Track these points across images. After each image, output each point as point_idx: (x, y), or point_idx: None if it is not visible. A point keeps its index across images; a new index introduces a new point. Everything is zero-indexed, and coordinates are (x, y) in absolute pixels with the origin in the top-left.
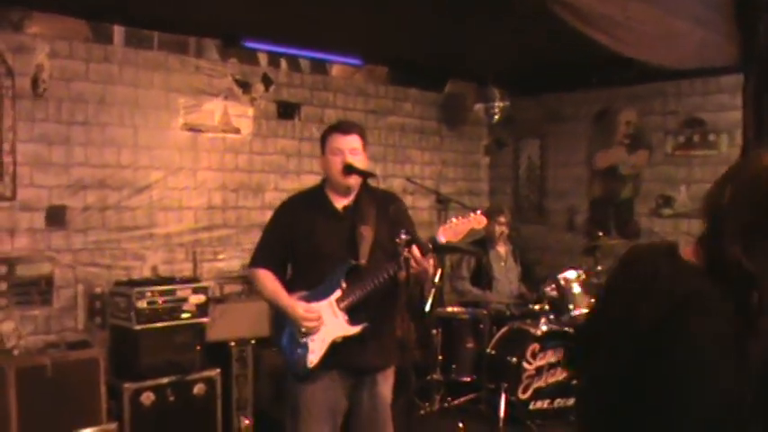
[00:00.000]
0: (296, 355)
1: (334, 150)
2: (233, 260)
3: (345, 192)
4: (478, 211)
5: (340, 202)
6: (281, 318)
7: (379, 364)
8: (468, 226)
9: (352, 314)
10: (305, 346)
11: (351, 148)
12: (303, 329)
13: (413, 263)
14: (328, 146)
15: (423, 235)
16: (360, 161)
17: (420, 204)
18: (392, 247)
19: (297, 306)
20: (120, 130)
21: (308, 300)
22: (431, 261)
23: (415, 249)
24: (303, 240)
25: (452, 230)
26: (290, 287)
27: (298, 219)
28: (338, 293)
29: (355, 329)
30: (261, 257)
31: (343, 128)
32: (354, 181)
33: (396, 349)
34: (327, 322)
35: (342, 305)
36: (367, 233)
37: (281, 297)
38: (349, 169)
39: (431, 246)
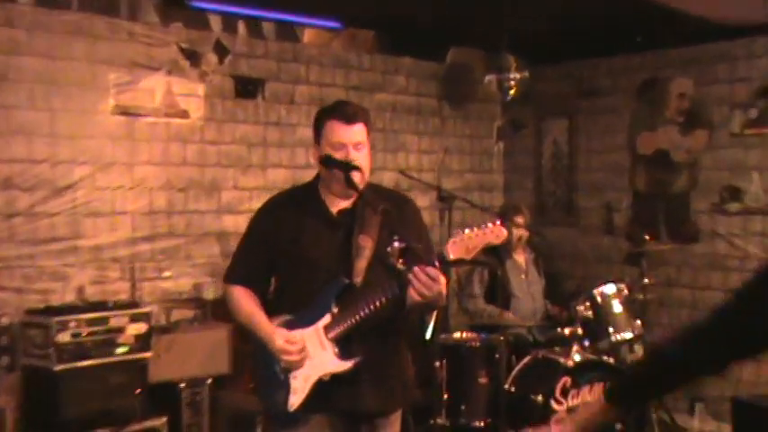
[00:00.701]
0: (275, 395)
1: (334, 144)
2: (182, 278)
3: (343, 192)
4: (497, 222)
5: (336, 205)
6: (261, 348)
7: (380, 408)
8: (484, 240)
9: (344, 346)
10: (285, 385)
11: (356, 142)
12: (282, 364)
13: (417, 283)
14: (326, 136)
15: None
16: (364, 157)
17: (418, 204)
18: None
19: (276, 335)
20: (32, 115)
21: (292, 326)
22: (442, 280)
23: (419, 272)
24: (287, 251)
25: (464, 246)
26: (273, 309)
27: (282, 223)
28: (327, 320)
29: (346, 365)
30: (235, 272)
31: (346, 115)
32: (358, 179)
33: (402, 390)
34: (314, 355)
35: (330, 334)
36: (366, 244)
37: (258, 322)
38: (327, 161)
39: (437, 262)
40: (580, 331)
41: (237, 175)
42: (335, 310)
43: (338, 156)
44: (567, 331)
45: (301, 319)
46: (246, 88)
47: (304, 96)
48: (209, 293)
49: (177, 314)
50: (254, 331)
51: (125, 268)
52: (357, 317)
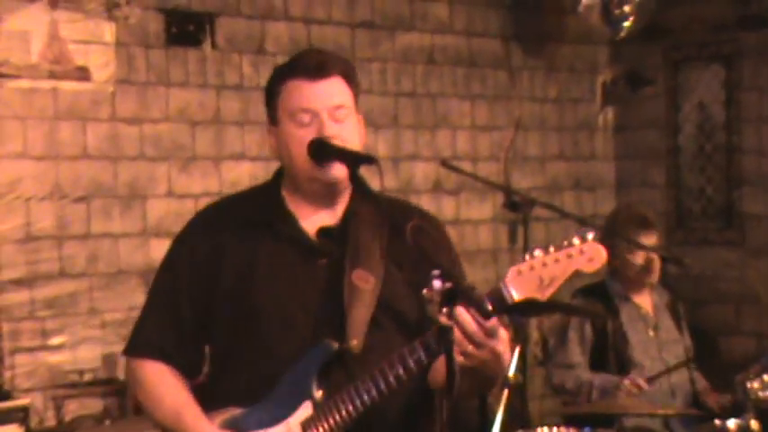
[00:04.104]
0: None
1: (296, 115)
2: (84, 347)
3: (324, 199)
4: (590, 235)
5: (313, 220)
6: None
7: None
8: (570, 267)
9: None
10: None
11: (331, 106)
12: None
13: (465, 343)
14: (283, 106)
15: (480, 282)
16: (349, 132)
17: (472, 214)
18: (415, 310)
19: None
20: None
21: (245, 425)
22: (504, 336)
23: (465, 314)
24: (233, 298)
25: (536, 278)
26: (210, 398)
27: (224, 254)
28: (305, 412)
29: None
30: (146, 340)
31: (310, 67)
32: (339, 174)
33: None
34: None
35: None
36: (365, 284)
37: (190, 422)
38: (320, 149)
39: (493, 307)
40: (754, 425)
41: (174, 174)
42: (319, 394)
43: (302, 133)
44: (731, 425)
45: (260, 414)
46: (186, 30)
47: (281, 42)
48: None
49: (75, 407)
50: None
51: None
52: (356, 404)
